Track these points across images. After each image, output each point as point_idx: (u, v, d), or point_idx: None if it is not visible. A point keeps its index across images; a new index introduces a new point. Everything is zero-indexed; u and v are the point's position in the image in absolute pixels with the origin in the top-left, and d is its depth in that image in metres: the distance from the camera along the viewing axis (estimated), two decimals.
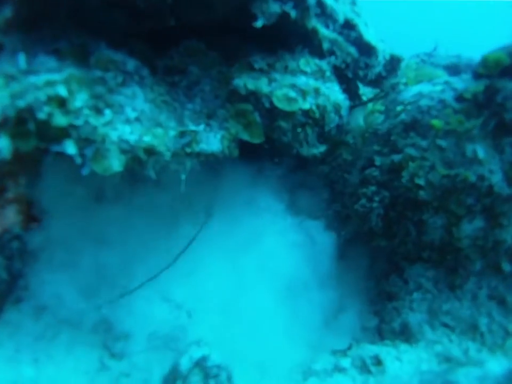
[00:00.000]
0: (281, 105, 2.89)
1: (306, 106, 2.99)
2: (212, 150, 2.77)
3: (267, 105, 2.92)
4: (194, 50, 3.09)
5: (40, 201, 3.79)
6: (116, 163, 2.50)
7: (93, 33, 3.08)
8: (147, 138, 2.58)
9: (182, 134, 2.68)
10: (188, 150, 2.69)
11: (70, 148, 2.51)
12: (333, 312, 4.04)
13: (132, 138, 2.55)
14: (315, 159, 4.40)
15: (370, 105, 5.20)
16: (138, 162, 2.57)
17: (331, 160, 4.96)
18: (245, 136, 2.90)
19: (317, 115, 3.05)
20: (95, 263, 3.82)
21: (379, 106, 5.07)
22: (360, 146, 4.98)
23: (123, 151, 2.52)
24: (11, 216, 3.67)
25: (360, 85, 4.85)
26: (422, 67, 5.30)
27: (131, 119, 2.63)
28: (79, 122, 2.53)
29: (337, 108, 3.21)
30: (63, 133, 2.52)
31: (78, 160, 2.52)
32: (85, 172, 2.51)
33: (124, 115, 2.64)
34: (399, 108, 4.27)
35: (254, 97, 2.93)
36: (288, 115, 2.94)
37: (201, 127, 2.78)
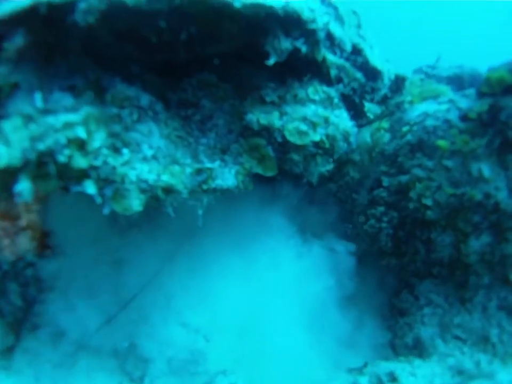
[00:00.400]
0: (293, 139, 2.93)
1: (316, 138, 3.03)
2: (227, 186, 2.81)
3: (279, 139, 2.96)
4: (207, 84, 3.13)
5: (53, 228, 3.82)
6: (136, 203, 2.55)
7: (107, 67, 3.13)
8: (165, 177, 2.62)
9: (198, 172, 2.72)
10: (205, 187, 2.73)
11: (90, 188, 2.55)
12: (350, 330, 4.06)
13: (151, 177, 2.59)
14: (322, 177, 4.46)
15: (375, 125, 5.23)
16: (157, 199, 2.62)
17: (338, 178, 5.01)
18: (259, 170, 2.94)
19: (327, 145, 3.08)
20: (113, 287, 3.86)
21: (384, 123, 5.11)
22: (367, 164, 5.02)
23: (142, 191, 2.56)
24: (24, 243, 3.68)
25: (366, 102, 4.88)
26: (426, 83, 5.32)
27: (148, 157, 2.67)
28: (98, 162, 2.57)
29: (345, 136, 3.25)
30: (83, 174, 2.56)
31: (98, 200, 2.56)
32: (106, 211, 2.55)
33: (141, 153, 2.68)
34: (405, 129, 4.30)
35: (266, 131, 2.97)
36: (299, 148, 2.99)
37: (217, 163, 2.82)
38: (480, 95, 4.19)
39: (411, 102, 4.96)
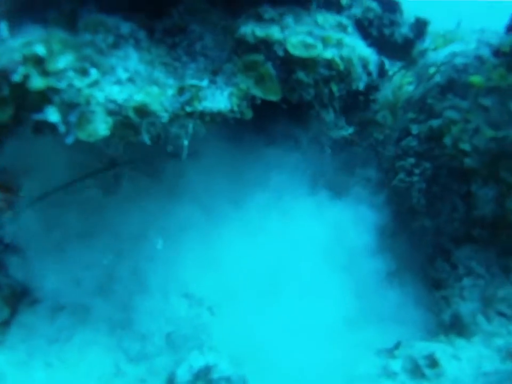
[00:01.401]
0: (297, 52, 2.30)
1: (327, 55, 2.41)
2: (218, 109, 2.20)
3: (281, 53, 2.33)
4: (196, 10, 2.57)
5: None
6: (102, 127, 1.99)
7: (86, 2, 2.63)
8: (139, 97, 2.07)
9: (181, 91, 2.14)
10: (189, 109, 2.13)
11: (53, 115, 2.03)
12: (376, 303, 3.40)
13: (121, 97, 2.05)
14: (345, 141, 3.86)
15: (397, 79, 4.61)
16: (130, 126, 2.07)
17: (361, 140, 4.38)
18: (258, 92, 2.33)
19: (342, 67, 2.47)
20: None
21: (408, 78, 4.48)
22: (390, 123, 4.40)
23: (110, 113, 2.01)
24: None
25: (386, 60, 4.28)
26: (451, 31, 4.66)
27: (122, 80, 2.12)
28: (61, 85, 2.05)
29: (364, 63, 2.64)
30: (44, 98, 2.05)
31: (62, 129, 2.04)
32: (69, 140, 2.02)
33: (114, 76, 2.13)
34: (431, 70, 3.66)
35: (264, 45, 2.32)
36: (307, 64, 2.35)
37: (205, 82, 2.23)
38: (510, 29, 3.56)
39: (435, 49, 4.33)
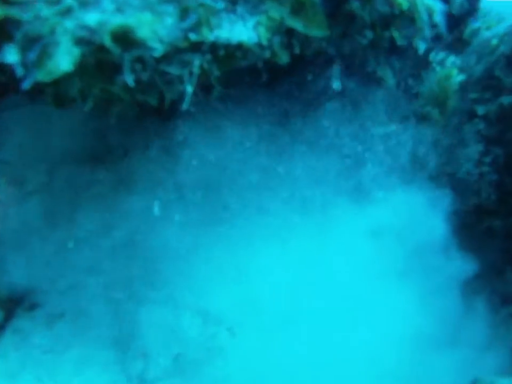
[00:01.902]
0: None
1: None
2: (238, 40, 1.49)
3: None
4: None
5: None
6: (64, 60, 1.35)
7: None
8: (119, 20, 1.44)
9: (184, 14, 1.47)
10: (194, 37, 1.47)
11: (11, 54, 1.43)
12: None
13: (95, 21, 1.42)
14: None
15: (442, 70, 3.90)
16: (105, 62, 1.42)
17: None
18: (297, 25, 1.61)
19: (405, 7, 1.81)
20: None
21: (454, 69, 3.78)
22: (438, 118, 3.69)
23: (79, 41, 1.38)
24: None
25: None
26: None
27: (108, 10, 1.52)
28: (26, 16, 1.46)
29: (429, 12, 1.99)
30: (3, 34, 1.47)
31: (20, 71, 1.44)
32: (26, 85, 1.42)
33: (99, 7, 1.53)
34: (494, 42, 2.98)
35: None
36: None
37: (220, 4, 1.57)
38: None
39: (489, 27, 3.64)
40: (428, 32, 1.99)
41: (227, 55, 1.52)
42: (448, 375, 2.29)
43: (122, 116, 1.97)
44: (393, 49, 1.94)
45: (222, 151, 2.65)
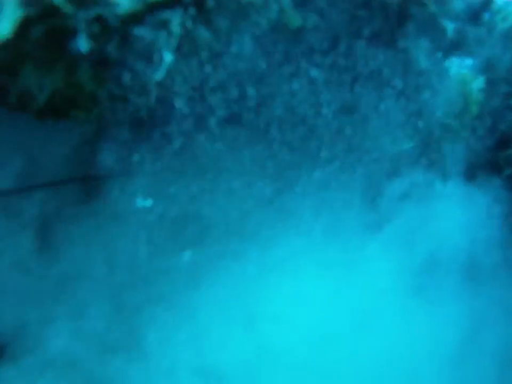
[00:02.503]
0: None
1: None
2: None
3: None
4: None
5: None
6: (4, 24, 1.05)
7: None
8: None
9: None
10: None
11: None
12: None
13: None
14: None
15: (458, 75, 3.59)
16: (54, 23, 1.09)
17: None
18: None
19: None
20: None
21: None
22: (458, 129, 3.32)
23: (24, 3, 1.08)
24: None
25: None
26: None
27: None
28: None
29: None
30: None
31: None
32: None
33: None
34: None
35: None
36: None
37: None
38: None
39: (505, 19, 3.39)
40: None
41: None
42: None
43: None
44: None
45: None
